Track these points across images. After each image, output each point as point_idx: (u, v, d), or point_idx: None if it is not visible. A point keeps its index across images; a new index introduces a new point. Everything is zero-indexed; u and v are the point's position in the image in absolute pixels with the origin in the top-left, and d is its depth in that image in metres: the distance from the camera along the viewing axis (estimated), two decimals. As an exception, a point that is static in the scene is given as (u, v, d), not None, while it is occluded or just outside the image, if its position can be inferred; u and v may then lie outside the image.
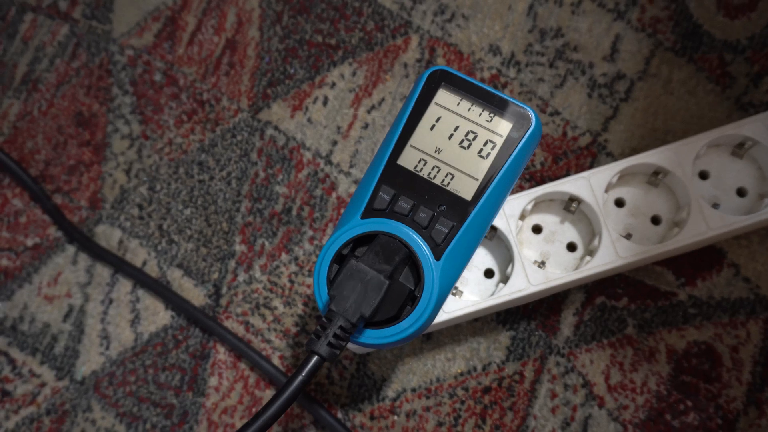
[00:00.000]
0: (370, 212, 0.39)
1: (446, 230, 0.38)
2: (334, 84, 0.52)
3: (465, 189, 0.39)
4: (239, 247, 0.49)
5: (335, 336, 0.36)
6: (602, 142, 0.48)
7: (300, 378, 0.36)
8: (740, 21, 0.49)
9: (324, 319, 0.36)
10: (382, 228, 0.38)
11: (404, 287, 0.37)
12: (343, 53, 0.52)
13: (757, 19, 0.49)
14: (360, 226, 0.38)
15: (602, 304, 0.46)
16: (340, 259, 0.38)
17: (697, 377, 0.44)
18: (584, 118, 0.49)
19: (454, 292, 0.43)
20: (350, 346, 0.42)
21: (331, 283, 0.37)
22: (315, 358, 0.36)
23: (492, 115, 0.40)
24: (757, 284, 0.45)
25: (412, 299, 0.37)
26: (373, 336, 0.37)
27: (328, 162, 0.50)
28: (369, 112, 0.51)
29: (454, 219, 0.38)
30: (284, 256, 0.49)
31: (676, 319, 0.45)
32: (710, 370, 0.44)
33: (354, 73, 0.52)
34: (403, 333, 0.37)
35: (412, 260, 0.38)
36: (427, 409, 0.46)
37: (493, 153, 0.39)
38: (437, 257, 0.38)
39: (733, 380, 0.44)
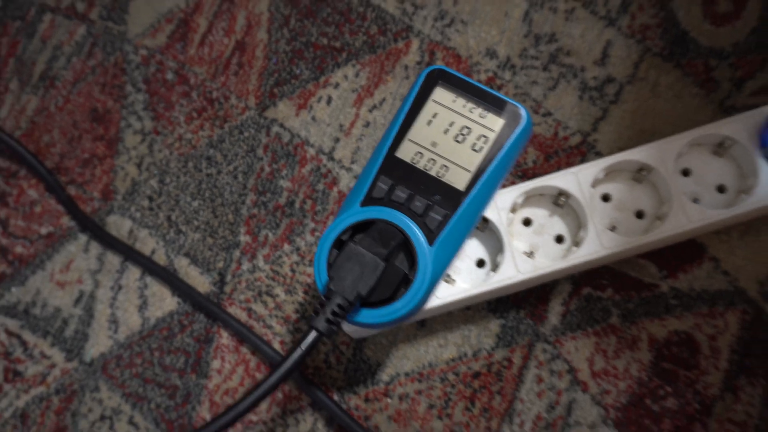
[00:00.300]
0: (369, 201, 0.40)
1: (440, 218, 0.39)
2: (337, 84, 0.53)
3: (458, 180, 0.40)
4: (244, 238, 0.51)
5: (333, 313, 0.37)
6: (592, 142, 0.49)
7: (299, 351, 0.37)
8: (725, 29, 0.50)
9: (323, 297, 0.38)
10: (379, 215, 0.39)
11: (399, 270, 0.38)
12: (347, 55, 0.53)
13: (741, 27, 0.50)
14: (359, 213, 0.40)
15: (588, 294, 0.47)
16: (339, 244, 0.39)
17: (677, 364, 0.45)
18: (575, 119, 0.50)
19: (447, 280, 0.44)
20: (347, 328, 0.44)
21: (330, 266, 0.39)
22: (314, 332, 0.38)
23: (485, 111, 0.41)
24: (735, 277, 0.46)
25: (406, 282, 0.39)
26: (368, 315, 0.38)
27: (331, 158, 0.52)
28: (370, 111, 0.52)
29: (447, 208, 0.39)
30: (286, 247, 0.50)
31: (658, 309, 0.46)
32: (689, 357, 0.45)
33: (357, 74, 0.53)
34: (397, 313, 0.38)
35: (407, 245, 0.39)
36: (420, 392, 0.47)
37: (486, 147, 0.40)
38: (431, 243, 0.39)
39: (710, 368, 0.45)
